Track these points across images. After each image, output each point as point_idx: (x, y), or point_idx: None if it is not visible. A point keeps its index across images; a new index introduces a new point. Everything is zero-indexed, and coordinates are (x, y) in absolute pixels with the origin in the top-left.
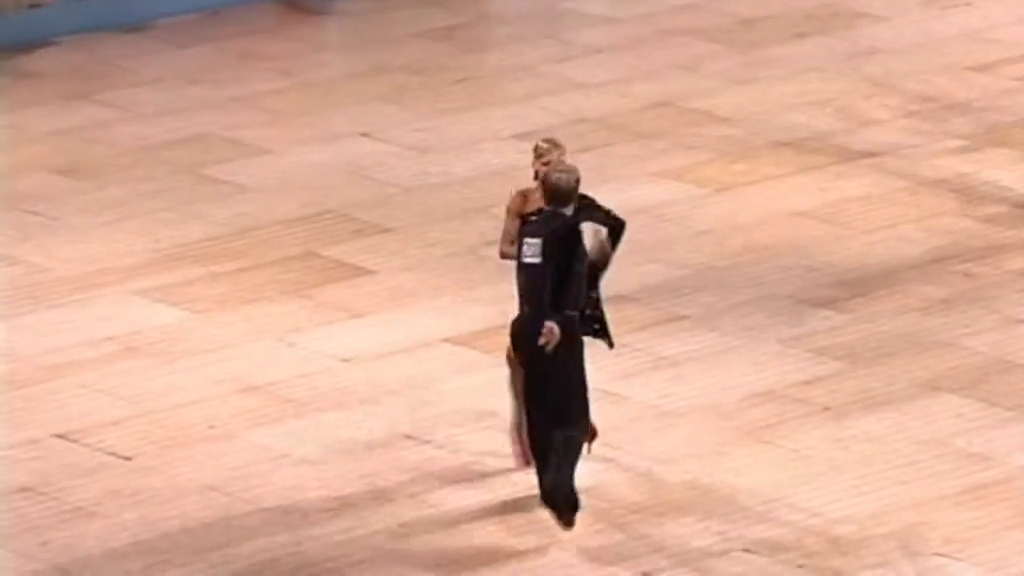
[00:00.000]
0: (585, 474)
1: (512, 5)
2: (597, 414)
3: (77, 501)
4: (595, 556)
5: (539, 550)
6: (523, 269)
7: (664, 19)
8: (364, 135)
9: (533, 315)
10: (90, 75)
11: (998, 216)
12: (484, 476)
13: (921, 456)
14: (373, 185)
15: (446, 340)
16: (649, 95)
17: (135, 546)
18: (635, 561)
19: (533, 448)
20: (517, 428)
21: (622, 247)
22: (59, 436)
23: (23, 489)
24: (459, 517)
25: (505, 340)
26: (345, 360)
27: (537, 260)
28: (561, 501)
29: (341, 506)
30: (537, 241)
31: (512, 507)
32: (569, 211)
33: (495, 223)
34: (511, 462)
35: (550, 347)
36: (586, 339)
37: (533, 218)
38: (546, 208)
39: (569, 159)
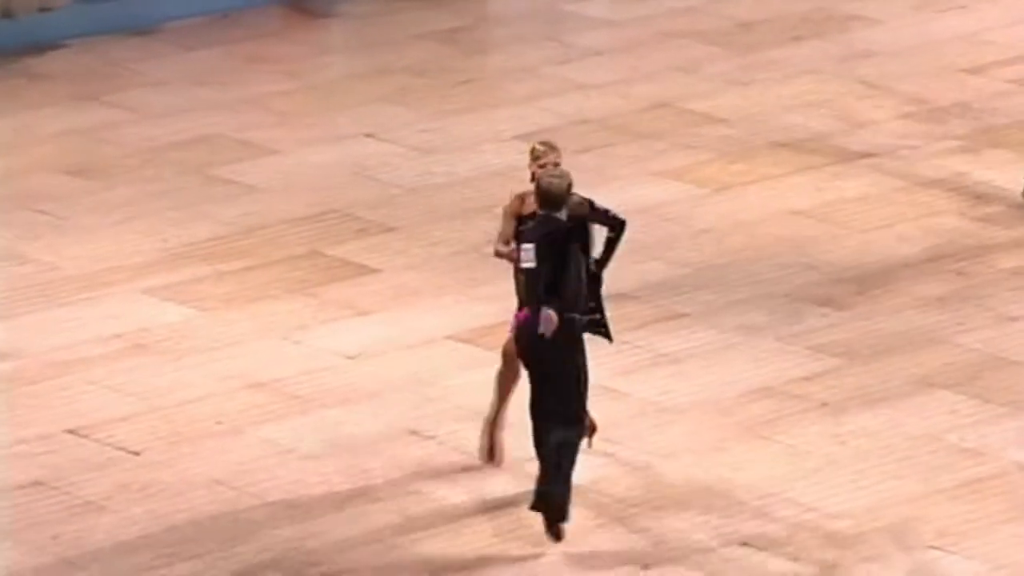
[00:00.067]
0: (585, 468)
1: (514, 7)
2: (597, 410)
3: (87, 495)
4: (595, 550)
5: (541, 544)
6: (521, 273)
7: (664, 22)
8: (368, 136)
9: (533, 318)
10: (99, 77)
11: (992, 216)
12: (488, 471)
13: (916, 451)
14: (377, 185)
15: (449, 337)
16: (649, 96)
17: (144, 539)
18: (634, 555)
19: (539, 453)
20: (491, 423)
21: (623, 244)
22: (69, 432)
23: (34, 484)
24: (463, 511)
25: (507, 336)
26: (350, 357)
27: (532, 264)
28: (554, 511)
29: (346, 501)
30: (530, 246)
31: (513, 502)
32: (562, 215)
33: (497, 222)
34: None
35: (548, 334)
36: (586, 336)
37: (530, 222)
38: (540, 212)
39: (569, 160)
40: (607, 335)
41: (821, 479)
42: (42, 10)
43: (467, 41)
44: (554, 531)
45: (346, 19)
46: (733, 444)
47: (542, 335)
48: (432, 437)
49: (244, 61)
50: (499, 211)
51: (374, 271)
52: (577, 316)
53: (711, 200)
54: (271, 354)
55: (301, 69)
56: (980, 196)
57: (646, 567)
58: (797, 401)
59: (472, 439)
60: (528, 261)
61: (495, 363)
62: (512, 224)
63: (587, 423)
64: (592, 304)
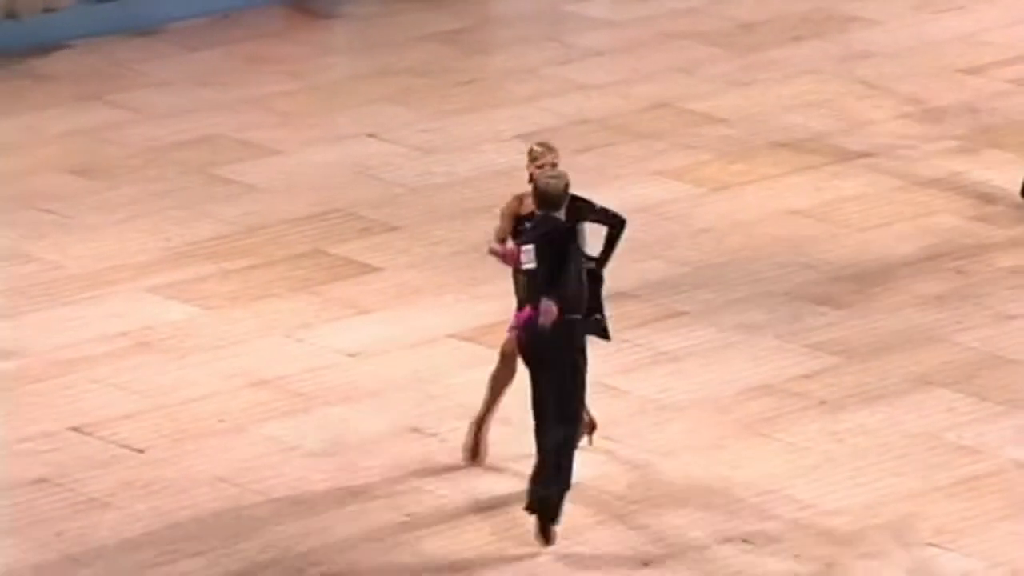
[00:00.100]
0: (585, 466)
1: (515, 8)
2: (597, 407)
3: (91, 492)
4: (595, 546)
5: (538, 539)
6: (521, 274)
7: (664, 22)
8: (370, 136)
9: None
10: (103, 77)
11: (990, 215)
12: (490, 467)
13: (914, 449)
14: (379, 185)
15: (451, 336)
16: (649, 97)
17: (147, 536)
18: (634, 552)
19: (539, 452)
20: (478, 423)
21: (624, 243)
22: (73, 429)
23: (39, 481)
24: (465, 509)
25: (506, 336)
26: (352, 355)
27: (532, 265)
28: (549, 509)
29: (348, 498)
30: (530, 247)
31: (515, 498)
32: (560, 215)
33: (497, 222)
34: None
35: (548, 325)
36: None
37: (527, 224)
38: (538, 213)
39: (570, 160)
40: (605, 335)
41: (820, 476)
42: (46, 11)
43: (468, 42)
44: (546, 534)
45: (348, 20)
46: (732, 442)
47: (542, 326)
48: (434, 435)
49: (247, 62)
50: (499, 211)
51: (376, 270)
52: (578, 317)
53: (711, 199)
54: (274, 352)
55: (304, 69)
56: (978, 196)
57: (646, 564)
58: (796, 399)
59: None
60: (529, 262)
61: (496, 361)
62: (509, 224)
63: (586, 421)
64: (592, 304)
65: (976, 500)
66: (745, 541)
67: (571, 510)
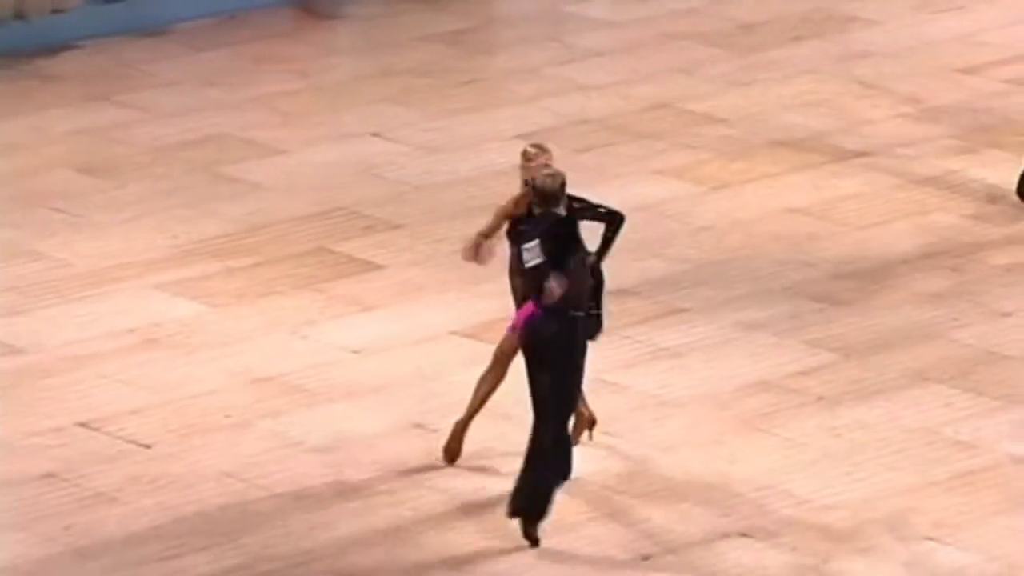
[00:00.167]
0: (585, 461)
1: (517, 9)
2: (598, 403)
3: (98, 487)
4: (596, 540)
5: (542, 535)
6: (527, 274)
7: (665, 23)
8: (374, 135)
9: (549, 315)
10: (111, 78)
11: (986, 213)
12: (492, 462)
13: (911, 444)
14: (383, 183)
15: (453, 333)
16: (650, 97)
17: (154, 530)
18: (633, 546)
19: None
20: (462, 426)
21: (624, 242)
22: (81, 424)
23: (47, 475)
24: (468, 503)
25: (502, 337)
26: (356, 352)
27: (539, 260)
28: (535, 506)
29: (352, 493)
30: (534, 243)
31: None
32: (560, 212)
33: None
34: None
35: (555, 299)
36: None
37: (523, 226)
38: (536, 212)
39: (571, 159)
40: (599, 326)
41: (818, 471)
42: (54, 12)
43: (471, 42)
44: (532, 536)
45: (353, 21)
46: (731, 437)
47: (550, 302)
48: (436, 430)
49: (252, 62)
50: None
51: (380, 267)
52: (581, 314)
53: (710, 198)
54: (279, 349)
55: (308, 69)
56: (975, 194)
57: (645, 558)
58: (794, 395)
59: (476, 431)
60: (535, 258)
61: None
62: (498, 223)
63: (586, 416)
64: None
65: (973, 495)
66: (744, 535)
67: (571, 504)
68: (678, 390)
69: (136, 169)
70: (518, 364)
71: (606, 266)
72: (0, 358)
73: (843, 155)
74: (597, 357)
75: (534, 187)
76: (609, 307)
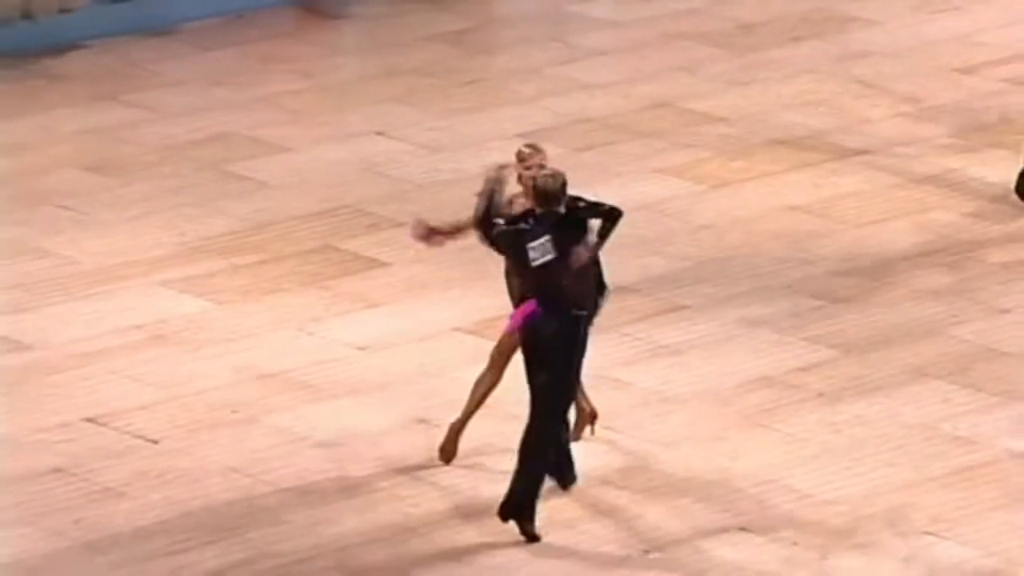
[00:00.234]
0: (587, 457)
1: (519, 9)
2: (600, 399)
3: (106, 482)
4: (596, 535)
5: (542, 529)
6: (530, 272)
7: (666, 23)
8: (379, 134)
9: (552, 313)
10: (118, 77)
11: (984, 211)
12: (493, 459)
13: (910, 440)
14: (387, 181)
15: (457, 329)
16: (651, 96)
17: (161, 525)
18: (635, 540)
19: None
20: (459, 426)
21: (625, 239)
22: (89, 420)
23: (55, 471)
24: (471, 498)
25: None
26: (361, 348)
27: (551, 256)
28: (527, 506)
29: (356, 488)
30: (545, 239)
31: None
32: (561, 211)
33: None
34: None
35: (579, 265)
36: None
37: (523, 224)
38: (537, 211)
39: (572, 158)
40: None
41: (818, 467)
42: (62, 11)
43: (474, 42)
44: (531, 534)
45: (357, 21)
46: (732, 433)
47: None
48: (440, 426)
49: (259, 61)
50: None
51: (384, 265)
52: (584, 313)
53: (711, 196)
54: (285, 345)
55: (314, 69)
56: (973, 192)
57: (647, 552)
58: (795, 391)
59: (477, 429)
60: (546, 254)
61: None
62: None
63: (587, 411)
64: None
65: (971, 490)
66: (744, 530)
67: (572, 500)
68: (679, 386)
69: (143, 168)
70: (517, 364)
71: (608, 264)
72: (8, 355)
73: (843, 154)
74: (598, 354)
75: (535, 187)
76: (610, 304)
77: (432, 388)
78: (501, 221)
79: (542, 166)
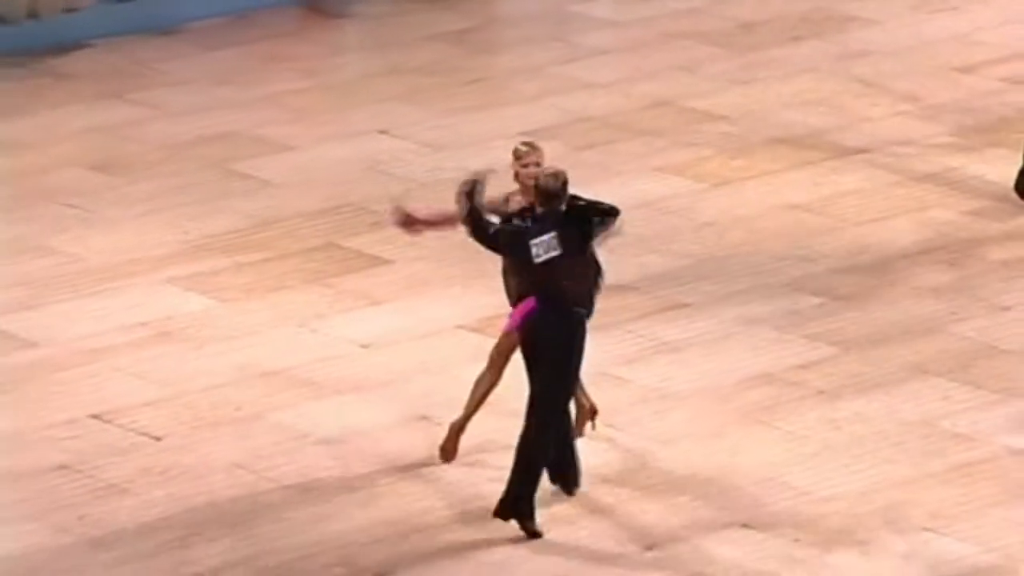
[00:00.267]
0: (588, 454)
1: (521, 9)
2: (600, 396)
3: (111, 479)
4: (596, 532)
5: (543, 525)
6: (535, 270)
7: (666, 22)
8: (382, 132)
9: (552, 311)
10: (123, 76)
11: (983, 209)
12: (495, 456)
13: (910, 437)
14: (390, 180)
15: (459, 327)
16: (652, 95)
17: (165, 521)
18: (636, 537)
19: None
20: (459, 426)
21: (626, 237)
22: (94, 417)
23: (60, 467)
24: (472, 495)
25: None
26: (364, 345)
27: (557, 252)
28: (526, 504)
29: (359, 484)
30: (550, 235)
31: None
32: (562, 209)
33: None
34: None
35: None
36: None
37: (516, 220)
38: (539, 210)
39: (574, 156)
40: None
41: (817, 463)
42: (67, 11)
43: (476, 42)
44: (531, 530)
45: (360, 20)
46: (732, 430)
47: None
48: (442, 423)
49: (262, 60)
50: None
51: (387, 262)
52: (583, 311)
53: (712, 194)
54: (288, 342)
55: (317, 68)
56: (973, 191)
57: (648, 549)
58: (794, 388)
59: (480, 425)
60: (551, 251)
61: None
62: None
63: (587, 407)
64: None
65: (970, 486)
66: (744, 527)
67: (574, 496)
68: (679, 384)
69: (148, 166)
70: (518, 362)
71: (609, 262)
72: (14, 352)
73: (843, 152)
74: (599, 351)
75: (536, 186)
76: (611, 302)
77: (434, 385)
78: (496, 219)
79: (538, 164)
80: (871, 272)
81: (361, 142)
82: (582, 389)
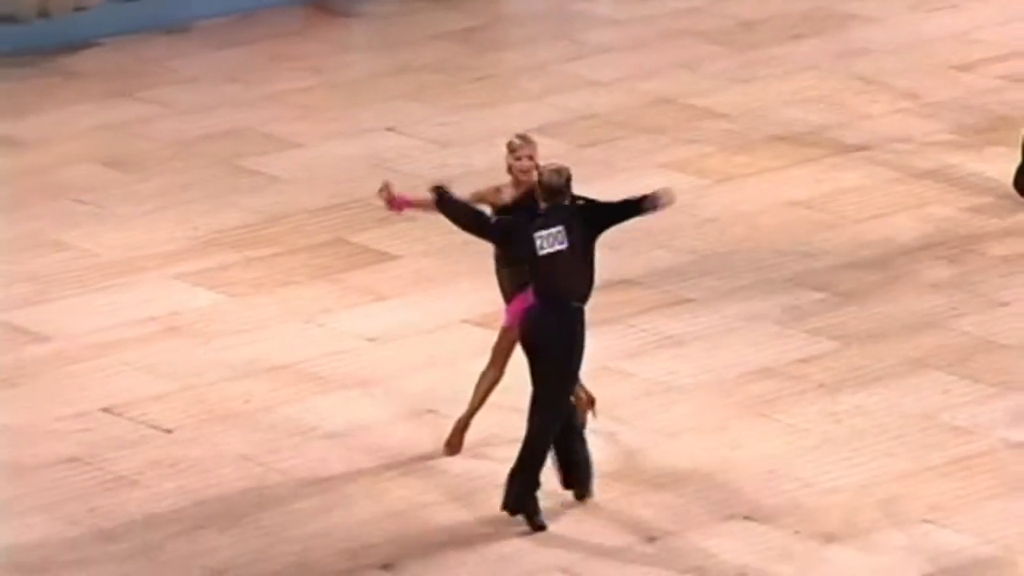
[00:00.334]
0: (592, 446)
1: (526, 8)
2: (604, 389)
3: (121, 471)
4: (600, 524)
5: (550, 517)
6: (536, 263)
7: (668, 21)
8: (389, 130)
9: (552, 306)
10: (132, 74)
11: (982, 205)
12: (500, 449)
13: (909, 430)
14: (397, 177)
15: (465, 321)
16: (654, 92)
17: (174, 513)
18: (639, 529)
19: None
20: (465, 421)
21: (630, 232)
22: (105, 410)
23: (71, 459)
24: (477, 487)
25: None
26: (371, 340)
27: (562, 246)
28: (530, 497)
29: (366, 477)
30: (557, 229)
31: None
32: (578, 203)
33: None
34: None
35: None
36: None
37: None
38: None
39: (578, 153)
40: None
41: (818, 456)
42: (77, 10)
43: (482, 40)
44: (536, 523)
45: (367, 19)
46: (735, 423)
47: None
48: (448, 416)
49: (270, 59)
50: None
51: (394, 258)
52: (581, 306)
53: (714, 191)
54: (296, 337)
55: (324, 66)
56: (972, 187)
57: (650, 540)
58: (796, 382)
59: (485, 418)
60: (557, 244)
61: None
62: (477, 203)
63: (584, 399)
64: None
65: (969, 479)
66: (746, 519)
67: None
68: (682, 377)
69: (158, 163)
70: (521, 357)
71: (613, 257)
72: (26, 346)
73: (843, 149)
74: (603, 345)
75: (540, 182)
76: (615, 296)
77: (440, 379)
78: (487, 210)
79: (531, 157)
80: (871, 268)
81: (368, 139)
82: (579, 381)
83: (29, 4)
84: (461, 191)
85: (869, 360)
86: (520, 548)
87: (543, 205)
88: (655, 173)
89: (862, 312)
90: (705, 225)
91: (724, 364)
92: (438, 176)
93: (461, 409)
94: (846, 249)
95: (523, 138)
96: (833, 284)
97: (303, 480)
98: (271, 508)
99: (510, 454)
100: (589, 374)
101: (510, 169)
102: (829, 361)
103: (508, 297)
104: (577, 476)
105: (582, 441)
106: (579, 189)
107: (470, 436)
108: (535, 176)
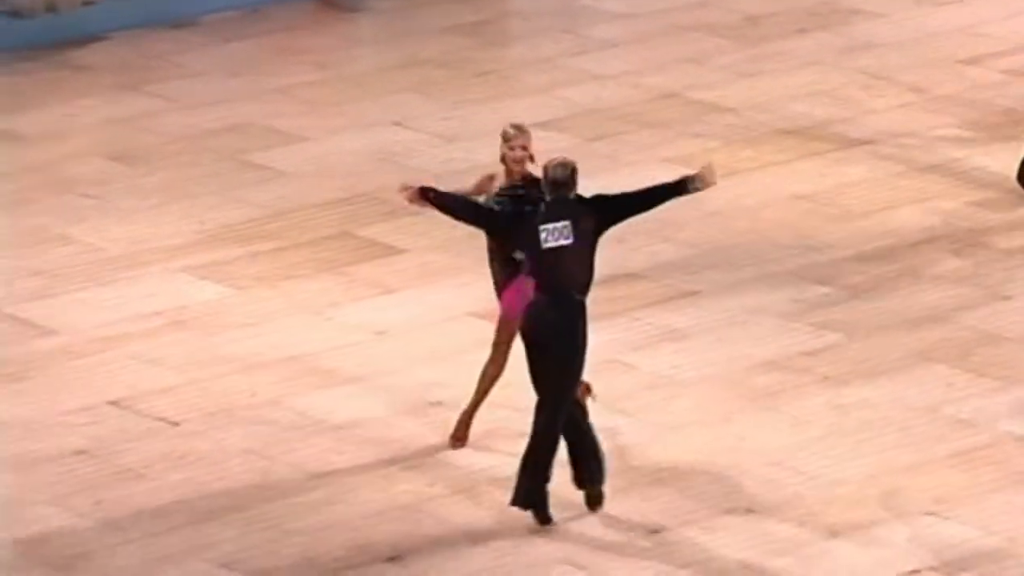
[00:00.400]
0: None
1: (532, 2)
2: (609, 382)
3: (128, 464)
4: (607, 516)
5: (554, 510)
6: (539, 256)
7: (675, 15)
8: (395, 124)
9: (553, 299)
10: (139, 68)
11: (987, 200)
12: (507, 441)
13: (913, 422)
14: (403, 170)
15: (470, 314)
16: (660, 86)
17: (181, 505)
18: (645, 521)
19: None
20: (469, 413)
21: (635, 226)
22: (112, 403)
23: (79, 452)
24: (482, 479)
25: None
26: (377, 333)
27: (568, 241)
28: (539, 490)
29: (372, 469)
30: (564, 223)
31: None
32: (572, 197)
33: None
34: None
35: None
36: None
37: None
38: (548, 197)
39: (583, 147)
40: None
41: (823, 448)
42: (84, 4)
43: (488, 34)
44: (544, 517)
45: (373, 13)
46: (739, 415)
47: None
48: (454, 409)
49: (276, 53)
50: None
51: (401, 251)
52: (582, 299)
53: (719, 185)
54: (303, 330)
55: (330, 60)
56: (976, 181)
57: (656, 532)
58: (801, 374)
59: (490, 410)
60: (562, 239)
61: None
62: (473, 193)
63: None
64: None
65: (973, 471)
66: (751, 511)
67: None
68: (687, 370)
69: (164, 157)
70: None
71: (618, 250)
72: (33, 340)
73: (848, 143)
74: (607, 338)
75: (545, 176)
76: (620, 290)
77: (447, 372)
78: (482, 199)
79: (525, 147)
80: (876, 261)
81: (374, 133)
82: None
83: None
84: (464, 185)
85: (873, 353)
86: (525, 540)
87: (548, 198)
88: (660, 167)
89: (866, 305)
90: (709, 218)
91: (728, 357)
92: (444, 170)
93: (466, 401)
94: (851, 243)
95: (517, 128)
96: (838, 278)
97: (309, 473)
98: (277, 500)
99: (516, 447)
100: (593, 367)
101: (503, 158)
102: (833, 354)
103: (500, 288)
104: (587, 470)
105: (589, 434)
106: (584, 182)
107: (476, 429)
108: (528, 166)
